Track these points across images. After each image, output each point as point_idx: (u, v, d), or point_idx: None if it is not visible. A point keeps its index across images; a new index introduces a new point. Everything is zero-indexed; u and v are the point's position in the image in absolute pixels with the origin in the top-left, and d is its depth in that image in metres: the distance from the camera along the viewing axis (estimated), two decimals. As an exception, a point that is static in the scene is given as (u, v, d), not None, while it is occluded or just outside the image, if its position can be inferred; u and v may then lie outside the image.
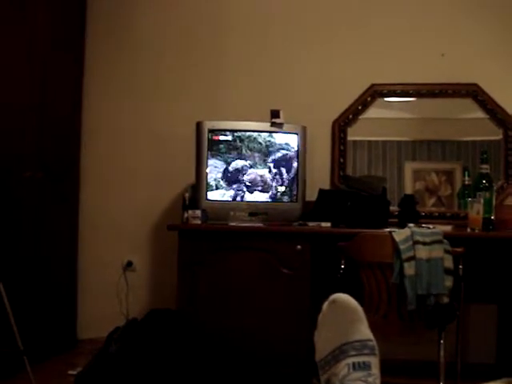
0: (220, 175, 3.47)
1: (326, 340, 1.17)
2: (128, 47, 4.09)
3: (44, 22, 3.59)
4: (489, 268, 3.36)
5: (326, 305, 1.19)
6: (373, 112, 3.87)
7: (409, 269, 2.73)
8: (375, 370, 1.12)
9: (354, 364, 1.11)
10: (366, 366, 1.11)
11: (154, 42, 4.07)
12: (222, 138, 3.49)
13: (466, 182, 3.65)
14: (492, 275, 3.41)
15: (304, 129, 3.57)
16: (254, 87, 3.93)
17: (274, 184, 3.53)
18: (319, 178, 3.76)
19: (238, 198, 3.48)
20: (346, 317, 1.16)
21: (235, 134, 3.49)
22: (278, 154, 3.54)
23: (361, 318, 1.17)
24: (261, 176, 3.52)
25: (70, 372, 3.30)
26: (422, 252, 2.76)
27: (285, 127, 3.54)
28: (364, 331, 1.16)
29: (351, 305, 1.17)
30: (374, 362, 1.13)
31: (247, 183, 3.50)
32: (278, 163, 3.54)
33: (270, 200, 3.51)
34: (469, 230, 3.22)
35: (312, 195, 3.53)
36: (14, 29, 3.43)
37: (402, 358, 3.55)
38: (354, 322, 1.16)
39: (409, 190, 3.76)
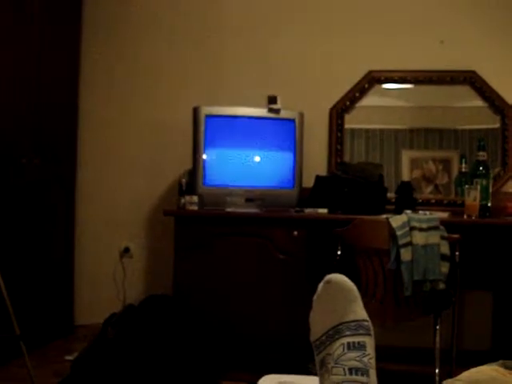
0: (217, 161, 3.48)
1: (320, 320, 1.17)
2: (126, 32, 4.07)
3: (40, 4, 3.57)
4: (485, 255, 3.37)
5: (321, 285, 1.18)
6: (370, 99, 3.86)
7: (405, 254, 2.74)
8: (370, 350, 1.12)
9: (348, 344, 1.11)
10: (360, 346, 1.11)
11: (153, 28, 4.05)
12: (219, 123, 3.48)
13: (463, 170, 3.65)
14: (488, 262, 3.41)
15: (301, 115, 3.56)
16: (252, 73, 3.92)
17: (271, 170, 3.53)
18: (316, 164, 3.76)
19: (235, 184, 3.48)
20: (341, 297, 1.16)
21: (232, 119, 3.49)
22: (275, 140, 3.54)
23: (356, 298, 1.16)
24: (258, 162, 3.52)
25: (67, 357, 3.31)
26: (419, 238, 2.77)
27: (282, 113, 3.53)
28: (359, 311, 1.15)
29: (346, 285, 1.17)
30: (369, 342, 1.13)
31: (245, 168, 3.50)
32: (274, 149, 3.53)
33: (266, 186, 3.51)
34: (465, 216, 3.23)
35: (309, 181, 3.54)
36: (10, 10, 3.41)
37: (398, 345, 3.56)
38: (349, 301, 1.15)
39: (406, 178, 3.75)
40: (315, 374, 1.20)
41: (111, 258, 4.01)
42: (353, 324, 1.14)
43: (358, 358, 1.09)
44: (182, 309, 3.18)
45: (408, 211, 2.99)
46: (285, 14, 3.93)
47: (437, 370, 2.86)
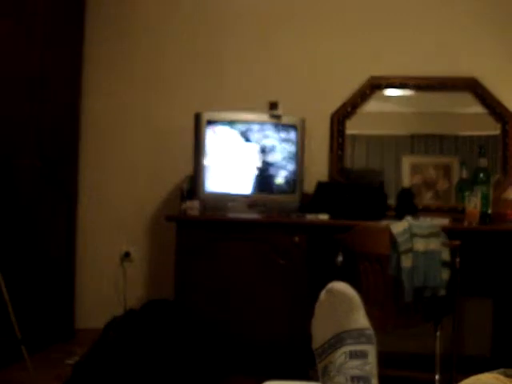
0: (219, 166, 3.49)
1: (322, 328, 1.17)
2: (128, 37, 4.08)
3: (43, 11, 3.58)
4: (485, 262, 3.37)
5: (323, 293, 1.19)
6: (371, 105, 3.86)
7: (406, 261, 2.75)
8: (372, 359, 1.12)
9: (350, 352, 1.12)
10: (362, 355, 1.12)
11: (154, 33, 4.06)
12: (220, 129, 3.49)
13: (464, 176, 3.65)
14: (488, 269, 3.42)
15: (303, 121, 3.57)
16: (253, 79, 3.92)
17: (272, 176, 3.54)
18: (317, 170, 3.76)
19: (237, 190, 3.49)
20: (343, 305, 1.16)
21: (234, 124, 3.50)
22: (276, 146, 3.54)
23: (358, 306, 1.17)
24: (260, 167, 3.53)
25: (68, 361, 3.30)
26: (420, 244, 2.78)
27: (283, 119, 3.54)
28: (361, 320, 1.16)
29: (349, 293, 1.17)
30: (371, 350, 1.13)
31: (247, 174, 3.51)
32: (276, 155, 3.54)
33: (268, 192, 3.52)
34: (466, 223, 3.24)
35: (310, 187, 3.54)
36: (12, 15, 3.42)
37: (398, 351, 3.56)
38: (352, 310, 1.16)
39: (406, 184, 3.76)
40: (316, 380, 1.21)
41: (112, 263, 4.01)
42: (355, 333, 1.14)
43: (359, 367, 1.10)
44: (183, 314, 3.19)
45: (409, 218, 3.00)
46: (285, 20, 3.93)
47: (437, 377, 2.87)
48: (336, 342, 1.14)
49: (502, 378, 1.17)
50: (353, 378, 1.08)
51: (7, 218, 3.35)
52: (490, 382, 1.15)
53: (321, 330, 1.17)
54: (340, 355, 1.12)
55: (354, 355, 1.12)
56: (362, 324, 1.16)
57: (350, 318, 1.15)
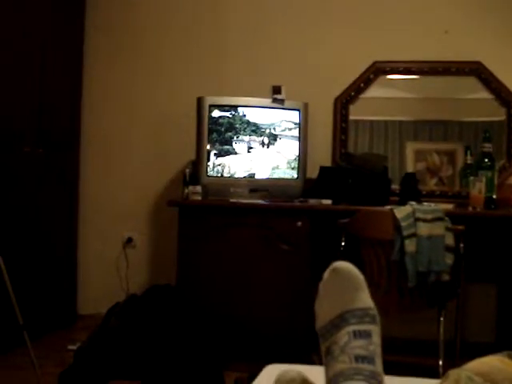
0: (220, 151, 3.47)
1: (326, 308, 1.15)
2: (130, 21, 4.06)
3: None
4: (489, 247, 3.35)
5: (327, 272, 1.17)
6: (375, 90, 3.83)
7: (410, 246, 2.73)
8: (376, 339, 1.10)
9: (354, 332, 1.10)
10: (366, 335, 1.10)
11: (156, 18, 4.04)
12: (223, 113, 3.47)
13: (468, 161, 3.62)
14: (492, 254, 3.40)
15: (306, 105, 3.55)
16: (256, 63, 3.90)
17: (274, 160, 3.52)
18: (320, 155, 3.74)
19: (239, 174, 3.47)
20: (347, 285, 1.14)
21: (236, 109, 3.48)
22: (279, 131, 3.52)
23: (362, 286, 1.15)
24: (262, 152, 3.51)
25: (70, 347, 3.30)
26: (423, 229, 2.76)
27: (286, 103, 3.52)
28: (365, 299, 1.14)
29: (352, 273, 1.15)
30: (375, 330, 1.12)
31: (249, 159, 3.49)
32: (279, 140, 3.52)
33: (270, 176, 3.50)
34: (470, 208, 3.21)
35: (313, 172, 3.52)
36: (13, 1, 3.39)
37: (402, 336, 3.55)
38: (355, 290, 1.14)
39: (410, 170, 3.73)
40: (319, 365, 1.19)
41: (114, 248, 4.00)
42: (359, 312, 1.12)
43: (364, 347, 1.08)
44: (185, 299, 3.18)
45: (412, 202, 2.98)
46: (289, 4, 3.90)
47: (441, 362, 2.85)
48: (340, 321, 1.12)
49: (506, 360, 1.16)
50: (357, 358, 1.06)
51: (9, 203, 3.34)
52: (495, 365, 1.14)
53: (324, 310, 1.16)
54: (344, 335, 1.10)
55: (358, 335, 1.10)
56: (366, 303, 1.14)
57: (354, 297, 1.14)
